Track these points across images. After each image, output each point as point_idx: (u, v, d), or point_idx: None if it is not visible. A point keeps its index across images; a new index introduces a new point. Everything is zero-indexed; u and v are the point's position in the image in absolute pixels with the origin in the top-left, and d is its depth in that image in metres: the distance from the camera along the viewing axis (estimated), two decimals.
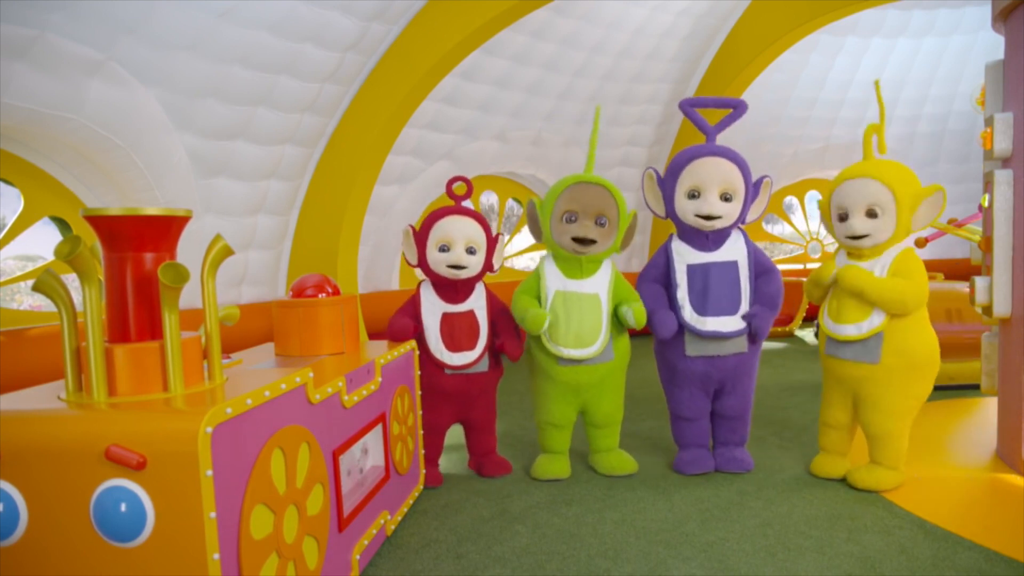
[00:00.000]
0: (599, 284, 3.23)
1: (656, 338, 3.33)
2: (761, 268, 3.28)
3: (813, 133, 8.52)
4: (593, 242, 3.14)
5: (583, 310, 3.17)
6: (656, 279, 3.33)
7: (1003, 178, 3.14)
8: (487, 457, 3.47)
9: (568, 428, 3.37)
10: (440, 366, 3.16)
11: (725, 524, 2.75)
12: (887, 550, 2.49)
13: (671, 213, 3.30)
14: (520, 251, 7.98)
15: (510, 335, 3.32)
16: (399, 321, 3.08)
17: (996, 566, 2.35)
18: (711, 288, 3.18)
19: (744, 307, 3.20)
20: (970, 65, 8.09)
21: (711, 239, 3.24)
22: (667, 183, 3.28)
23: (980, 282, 3.25)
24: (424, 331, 3.16)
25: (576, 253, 3.17)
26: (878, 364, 2.94)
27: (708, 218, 3.15)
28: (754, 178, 3.27)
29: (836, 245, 3.19)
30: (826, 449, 3.26)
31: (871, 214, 2.94)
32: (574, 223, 3.13)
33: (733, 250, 3.25)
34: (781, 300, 3.26)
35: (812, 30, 6.39)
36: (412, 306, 3.22)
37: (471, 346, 3.22)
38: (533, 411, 3.41)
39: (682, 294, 3.22)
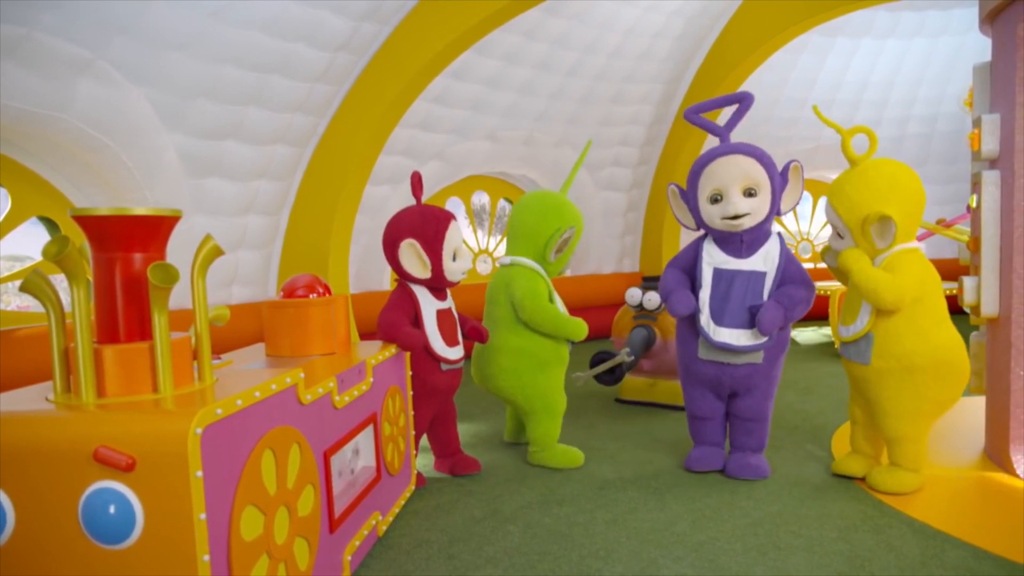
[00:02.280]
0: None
1: (677, 326, 3.37)
2: (789, 278, 3.14)
3: (803, 133, 8.55)
4: None
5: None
6: (683, 269, 3.31)
7: (990, 179, 3.17)
8: (457, 456, 3.48)
9: None
10: (439, 361, 3.16)
11: (716, 524, 2.77)
12: (876, 548, 2.51)
13: (700, 223, 3.23)
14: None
15: (474, 324, 3.49)
16: (405, 330, 2.98)
17: (984, 564, 2.37)
18: (732, 298, 3.11)
19: None
20: (958, 67, 8.15)
21: (745, 243, 3.14)
22: (689, 193, 3.23)
23: (968, 282, 3.27)
24: (425, 330, 3.12)
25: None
26: (868, 366, 2.97)
27: (735, 218, 3.05)
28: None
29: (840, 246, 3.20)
30: (853, 447, 3.27)
31: (838, 235, 3.09)
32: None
33: (766, 259, 3.14)
34: (800, 308, 3.11)
35: (803, 31, 6.42)
36: (408, 305, 3.11)
37: (458, 340, 3.28)
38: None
39: (704, 296, 3.16)
